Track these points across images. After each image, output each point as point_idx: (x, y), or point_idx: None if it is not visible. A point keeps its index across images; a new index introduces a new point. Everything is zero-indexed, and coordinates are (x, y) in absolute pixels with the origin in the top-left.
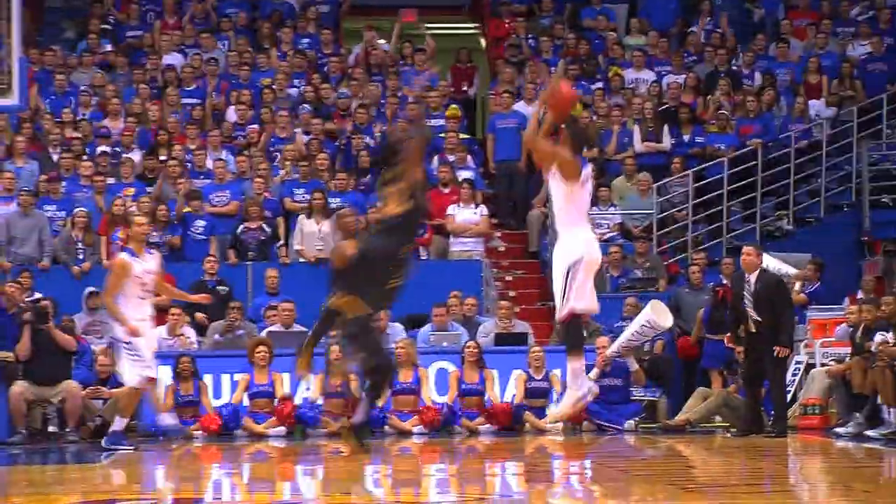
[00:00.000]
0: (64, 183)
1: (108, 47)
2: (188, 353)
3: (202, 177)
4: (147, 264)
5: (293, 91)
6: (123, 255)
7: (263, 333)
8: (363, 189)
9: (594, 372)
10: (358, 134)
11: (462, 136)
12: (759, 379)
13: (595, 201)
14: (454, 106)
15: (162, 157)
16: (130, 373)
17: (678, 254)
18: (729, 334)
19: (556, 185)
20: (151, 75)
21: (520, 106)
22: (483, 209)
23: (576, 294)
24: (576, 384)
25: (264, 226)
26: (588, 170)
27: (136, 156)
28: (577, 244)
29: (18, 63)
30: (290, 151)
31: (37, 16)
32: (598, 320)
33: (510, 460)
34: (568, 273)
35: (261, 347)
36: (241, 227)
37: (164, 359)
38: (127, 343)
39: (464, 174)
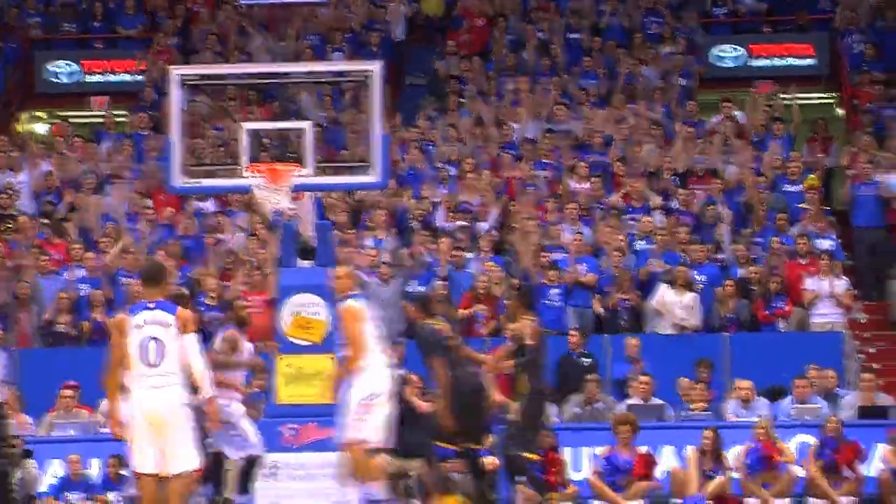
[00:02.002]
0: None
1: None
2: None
3: (559, 250)
4: None
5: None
6: None
7: (624, 406)
8: (720, 263)
9: None
10: (711, 205)
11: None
12: None
13: None
14: (812, 176)
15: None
16: None
17: None
18: None
19: None
20: (505, 144)
21: (879, 175)
22: (844, 281)
23: None
24: None
25: (627, 298)
26: None
27: (487, 227)
28: None
29: (379, 140)
30: (646, 223)
31: (396, 92)
32: None
33: None
34: None
35: (624, 426)
36: (614, 298)
37: None
38: None
39: (823, 244)
